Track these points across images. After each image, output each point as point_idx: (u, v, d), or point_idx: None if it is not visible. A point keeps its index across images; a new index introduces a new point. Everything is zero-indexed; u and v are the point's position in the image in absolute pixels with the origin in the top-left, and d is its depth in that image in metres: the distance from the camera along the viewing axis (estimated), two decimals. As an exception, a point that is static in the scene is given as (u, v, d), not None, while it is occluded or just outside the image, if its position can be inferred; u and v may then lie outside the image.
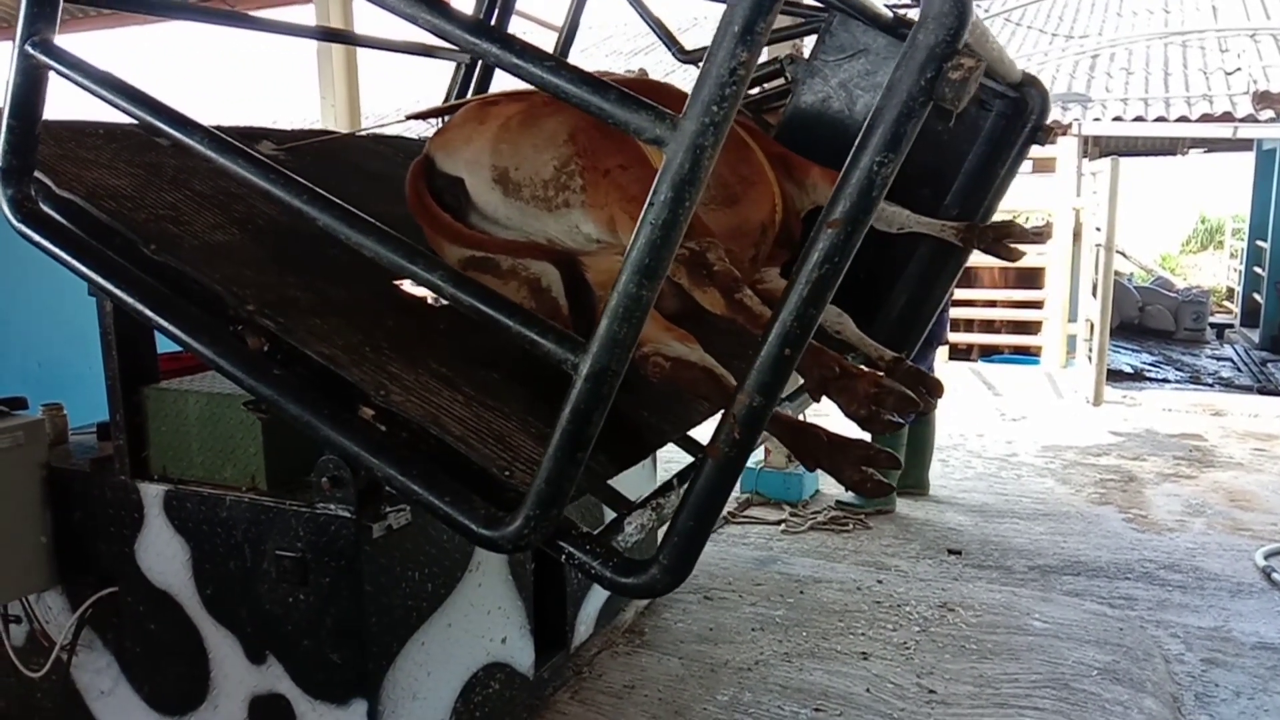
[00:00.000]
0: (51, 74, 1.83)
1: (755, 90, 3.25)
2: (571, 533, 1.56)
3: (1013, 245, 2.45)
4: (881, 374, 1.85)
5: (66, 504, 2.54)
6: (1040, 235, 2.50)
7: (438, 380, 1.85)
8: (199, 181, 2.28)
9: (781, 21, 3.25)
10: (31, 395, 2.64)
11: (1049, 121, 2.61)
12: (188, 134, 1.66)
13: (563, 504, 1.45)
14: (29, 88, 1.84)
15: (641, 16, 3.40)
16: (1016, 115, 2.58)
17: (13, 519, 2.45)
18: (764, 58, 3.17)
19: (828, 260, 1.28)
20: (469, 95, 3.40)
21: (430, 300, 2.28)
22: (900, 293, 2.68)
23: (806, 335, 1.34)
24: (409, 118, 2.67)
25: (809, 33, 3.06)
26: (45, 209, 1.94)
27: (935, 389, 2.25)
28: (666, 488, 1.83)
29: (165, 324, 1.79)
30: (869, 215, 1.27)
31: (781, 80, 3.07)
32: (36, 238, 1.89)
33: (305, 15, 5.89)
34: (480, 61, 3.35)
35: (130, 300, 1.82)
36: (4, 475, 2.42)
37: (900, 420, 1.76)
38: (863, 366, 1.89)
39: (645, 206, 1.23)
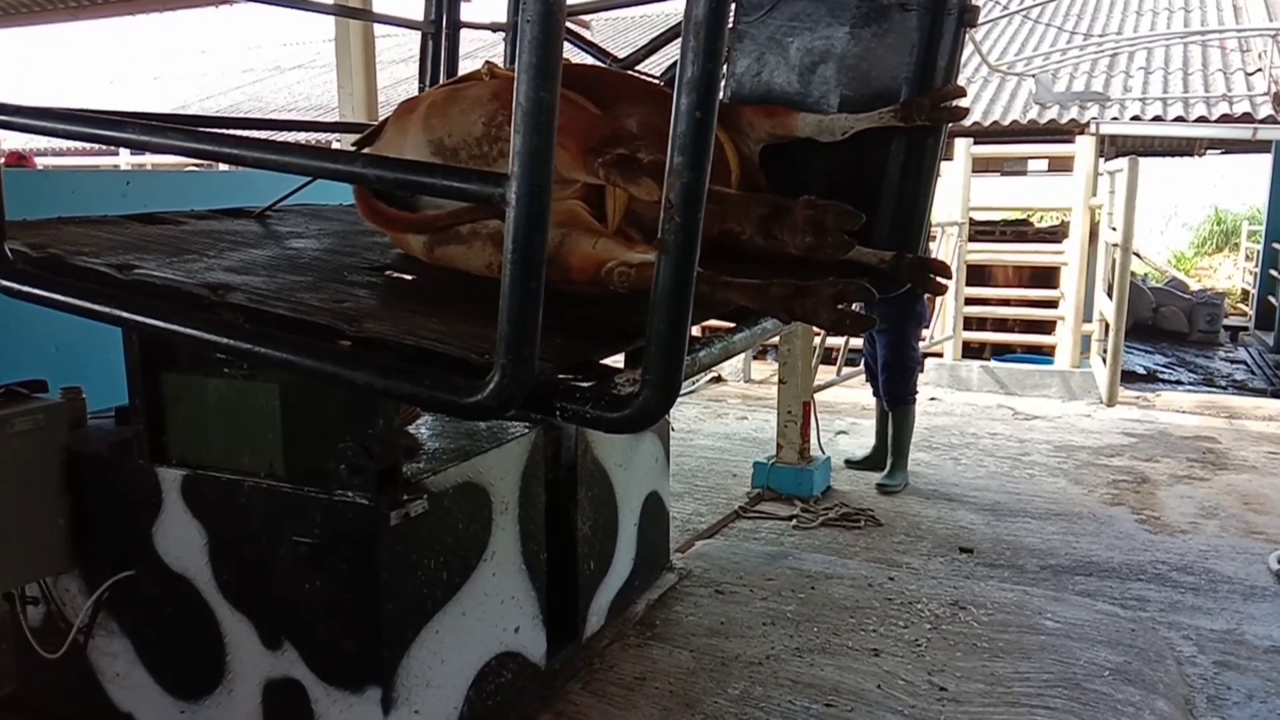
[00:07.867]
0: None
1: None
2: (560, 388, 1.59)
3: (954, 105, 2.44)
4: (812, 198, 1.83)
5: (85, 487, 2.56)
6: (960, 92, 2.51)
7: (411, 313, 1.92)
8: (173, 236, 2.49)
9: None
10: (50, 379, 2.64)
11: (973, 2, 2.60)
12: (113, 130, 1.84)
13: (533, 344, 1.43)
14: None
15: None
16: (939, 6, 2.56)
17: (31, 501, 2.47)
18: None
19: (708, 8, 1.31)
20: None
21: (408, 278, 2.36)
22: (887, 202, 2.67)
23: (714, 93, 1.35)
24: (355, 145, 2.65)
25: None
26: (25, 267, 2.11)
27: (942, 269, 2.34)
28: None
29: (146, 320, 1.90)
30: None
31: None
32: (18, 287, 2.04)
33: None
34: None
35: (112, 310, 1.94)
36: (23, 458, 2.44)
37: (848, 235, 1.76)
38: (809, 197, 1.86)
39: (519, 9, 1.29)
